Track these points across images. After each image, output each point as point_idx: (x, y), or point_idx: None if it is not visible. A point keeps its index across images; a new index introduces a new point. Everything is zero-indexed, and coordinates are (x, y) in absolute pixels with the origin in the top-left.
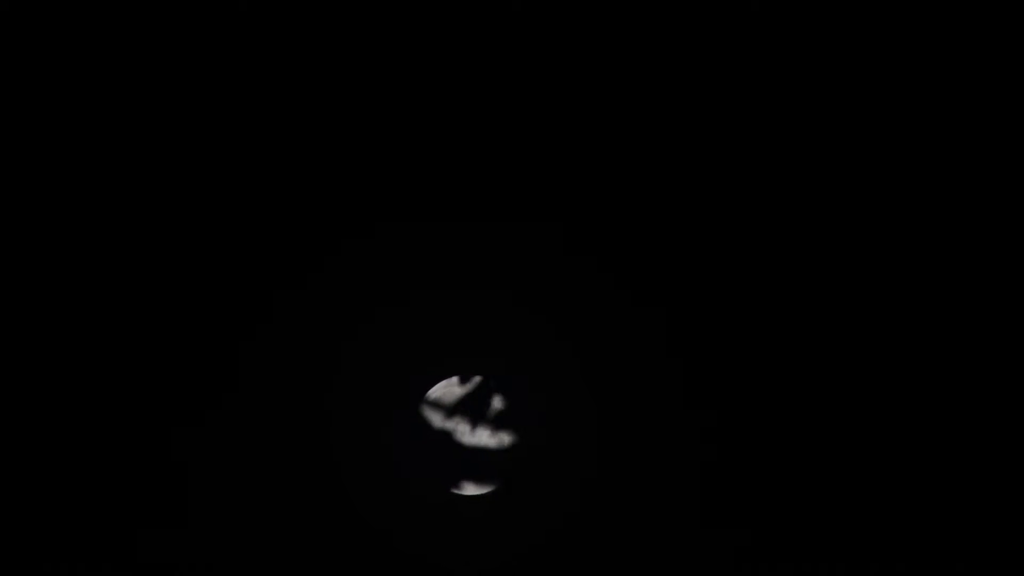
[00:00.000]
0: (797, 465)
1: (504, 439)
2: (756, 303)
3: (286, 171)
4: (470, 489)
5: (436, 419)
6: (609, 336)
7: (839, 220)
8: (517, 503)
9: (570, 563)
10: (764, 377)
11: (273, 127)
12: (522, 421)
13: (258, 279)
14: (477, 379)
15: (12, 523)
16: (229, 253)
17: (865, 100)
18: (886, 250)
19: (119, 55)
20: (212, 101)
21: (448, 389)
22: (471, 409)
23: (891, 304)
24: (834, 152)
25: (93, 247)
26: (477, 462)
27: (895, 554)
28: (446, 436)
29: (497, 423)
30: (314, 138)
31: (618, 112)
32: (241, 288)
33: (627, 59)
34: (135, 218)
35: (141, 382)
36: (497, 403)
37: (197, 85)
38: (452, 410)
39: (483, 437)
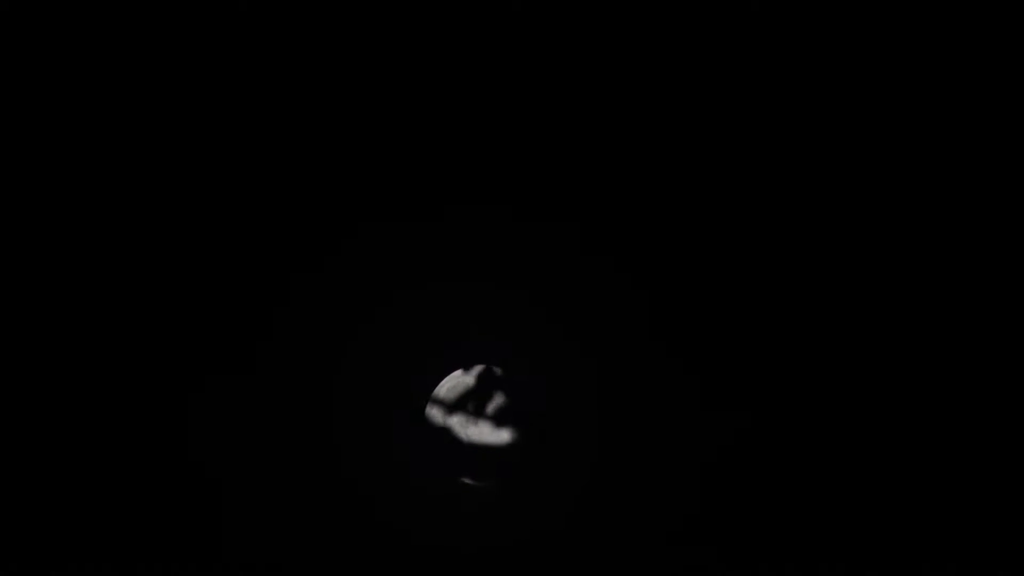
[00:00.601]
0: (804, 468)
1: (505, 435)
2: (771, 306)
3: (296, 169)
4: (471, 482)
5: (440, 415)
6: (617, 335)
7: (861, 224)
8: (516, 498)
9: (567, 559)
10: (779, 380)
11: (281, 128)
12: (524, 418)
13: (263, 278)
14: (479, 374)
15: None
16: (228, 255)
17: (873, 99)
18: (910, 259)
19: (119, 55)
20: (210, 101)
21: (451, 385)
22: (473, 404)
23: (908, 312)
24: (859, 153)
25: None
26: (478, 457)
27: (899, 557)
28: (448, 432)
29: (499, 419)
30: (325, 138)
31: (624, 112)
32: (242, 290)
33: (627, 58)
34: (137, 222)
35: (149, 386)
36: (499, 399)
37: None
38: (455, 406)
39: (484, 433)
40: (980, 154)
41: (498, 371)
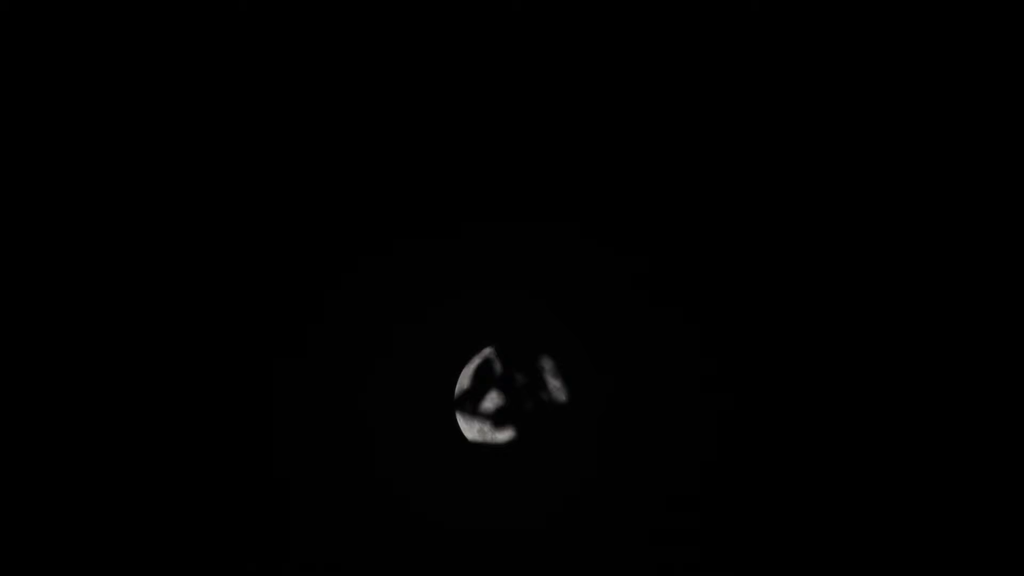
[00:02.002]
0: (808, 459)
1: (504, 435)
2: (775, 303)
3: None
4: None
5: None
6: (625, 334)
7: (843, 215)
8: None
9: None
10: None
11: (308, 135)
12: (525, 417)
13: (286, 295)
14: (480, 370)
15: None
16: (257, 272)
17: (867, 100)
18: (891, 250)
19: (127, 63)
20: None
21: (464, 382)
22: (472, 402)
23: (904, 309)
24: (834, 148)
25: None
26: (480, 454)
27: (907, 550)
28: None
29: (497, 418)
30: (351, 146)
31: (627, 112)
32: (269, 307)
33: (627, 59)
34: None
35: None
36: (497, 398)
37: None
38: (457, 403)
39: (482, 431)
40: (980, 154)
41: (497, 367)
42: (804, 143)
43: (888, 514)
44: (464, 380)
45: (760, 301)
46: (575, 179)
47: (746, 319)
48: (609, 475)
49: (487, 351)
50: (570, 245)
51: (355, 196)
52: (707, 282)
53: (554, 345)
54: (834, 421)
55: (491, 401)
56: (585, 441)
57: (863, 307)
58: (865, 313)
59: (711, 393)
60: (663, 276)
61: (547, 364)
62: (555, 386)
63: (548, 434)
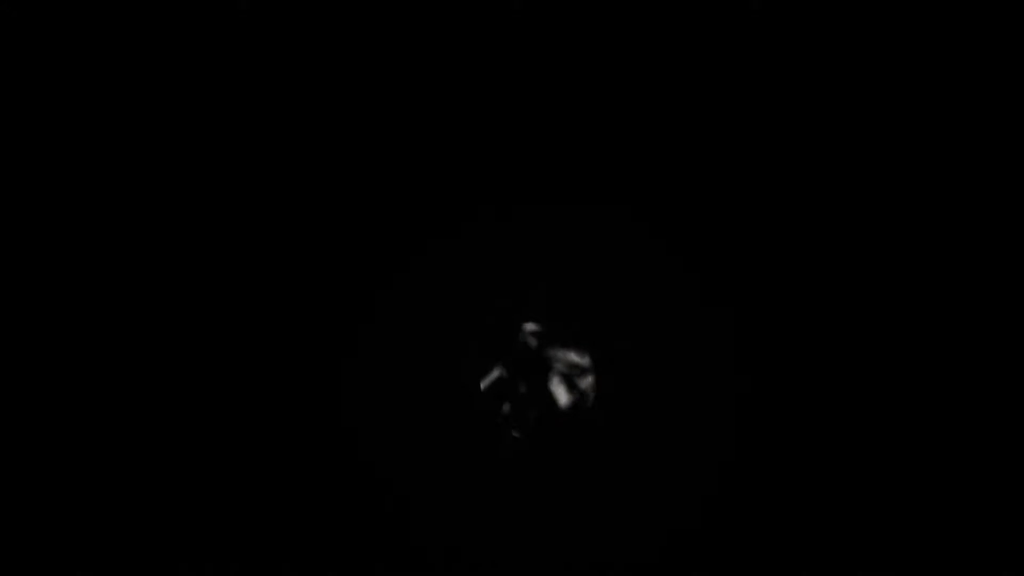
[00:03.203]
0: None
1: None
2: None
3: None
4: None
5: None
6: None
7: (849, 213)
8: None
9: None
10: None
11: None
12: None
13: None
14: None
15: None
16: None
17: (870, 96)
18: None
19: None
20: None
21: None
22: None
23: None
24: (840, 146)
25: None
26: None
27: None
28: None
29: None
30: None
31: (635, 110)
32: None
33: (627, 58)
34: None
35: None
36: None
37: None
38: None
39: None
40: (980, 150)
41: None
42: (812, 140)
43: (924, 510)
44: (486, 385)
45: (785, 281)
46: (587, 166)
47: (771, 303)
48: (620, 466)
49: (496, 370)
50: (588, 231)
51: (386, 197)
52: (729, 261)
53: (562, 339)
54: (860, 411)
55: (502, 404)
56: (599, 433)
57: (895, 291)
58: (900, 295)
59: (728, 376)
60: (681, 261)
61: (564, 357)
62: (569, 384)
63: (561, 430)
